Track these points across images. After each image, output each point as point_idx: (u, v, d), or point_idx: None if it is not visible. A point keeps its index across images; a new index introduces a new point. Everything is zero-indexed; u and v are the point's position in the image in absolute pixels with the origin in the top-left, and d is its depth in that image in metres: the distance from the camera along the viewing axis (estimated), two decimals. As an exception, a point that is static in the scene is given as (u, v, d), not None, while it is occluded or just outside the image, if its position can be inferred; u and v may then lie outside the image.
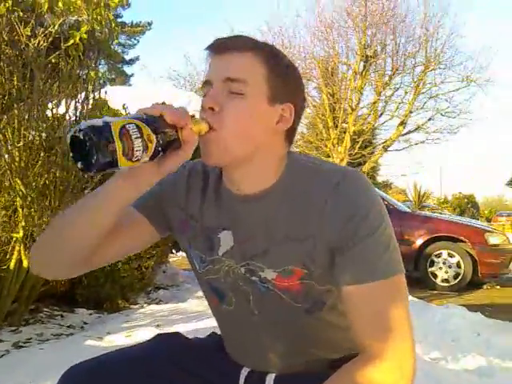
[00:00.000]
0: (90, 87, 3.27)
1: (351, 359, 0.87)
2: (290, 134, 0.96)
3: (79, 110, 3.37)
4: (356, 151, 13.10)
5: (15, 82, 2.89)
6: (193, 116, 0.86)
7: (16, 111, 3.10)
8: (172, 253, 5.79)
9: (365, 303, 0.85)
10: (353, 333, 0.87)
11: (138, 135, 0.76)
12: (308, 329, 0.98)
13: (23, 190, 3.06)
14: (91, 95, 3.41)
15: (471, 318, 4.05)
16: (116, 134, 0.74)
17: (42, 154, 3.02)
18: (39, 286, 3.46)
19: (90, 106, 3.54)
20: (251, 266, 0.95)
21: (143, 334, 2.89)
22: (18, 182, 3.06)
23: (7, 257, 3.20)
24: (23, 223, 3.11)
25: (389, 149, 14.21)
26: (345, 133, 13.02)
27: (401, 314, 0.85)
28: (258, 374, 1.04)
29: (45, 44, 2.90)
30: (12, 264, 3.17)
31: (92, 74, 3.19)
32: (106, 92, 3.87)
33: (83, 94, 3.39)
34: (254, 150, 0.91)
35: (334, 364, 0.92)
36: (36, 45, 2.87)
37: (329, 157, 13.60)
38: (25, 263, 3.20)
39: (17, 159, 3.06)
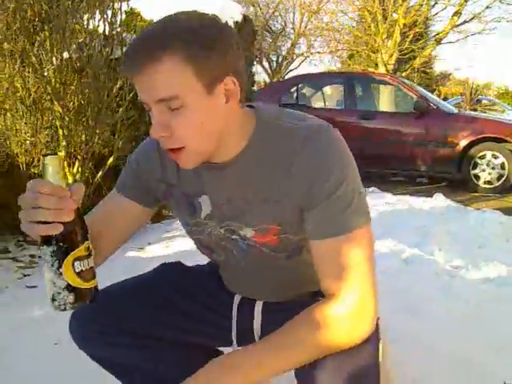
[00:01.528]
0: (116, 5, 3.26)
1: None
2: (242, 96, 0.94)
3: (109, 27, 3.40)
4: (406, 45, 12.43)
5: (43, 5, 2.92)
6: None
7: (47, 33, 3.17)
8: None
9: (328, 255, 0.93)
10: (319, 280, 0.95)
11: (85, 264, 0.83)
12: (290, 270, 1.08)
13: (60, 111, 3.22)
14: (118, 11, 3.41)
15: (506, 222, 4.07)
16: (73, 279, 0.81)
17: (74, 78, 3.12)
18: (86, 196, 3.73)
19: (120, 20, 3.55)
20: (231, 226, 1.03)
21: (180, 244, 3.12)
22: (55, 103, 3.21)
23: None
24: (64, 142, 3.30)
25: (442, 41, 13.40)
26: (394, 26, 12.29)
27: (361, 263, 0.91)
28: (249, 301, 1.18)
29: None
30: (58, 180, 3.42)
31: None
32: None
33: (110, 12, 3.40)
34: (220, 137, 0.94)
35: (317, 293, 1.01)
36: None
37: (377, 52, 13.05)
38: (69, 178, 3.44)
39: (52, 81, 3.19)
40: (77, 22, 3.32)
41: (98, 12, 3.43)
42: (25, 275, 2.80)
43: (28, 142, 3.37)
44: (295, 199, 0.95)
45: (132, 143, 3.84)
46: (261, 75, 25.72)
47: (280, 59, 25.56)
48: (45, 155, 0.80)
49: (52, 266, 0.80)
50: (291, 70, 26.42)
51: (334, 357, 0.89)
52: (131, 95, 3.45)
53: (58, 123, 3.27)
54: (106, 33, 3.41)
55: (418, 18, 12.64)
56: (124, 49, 3.60)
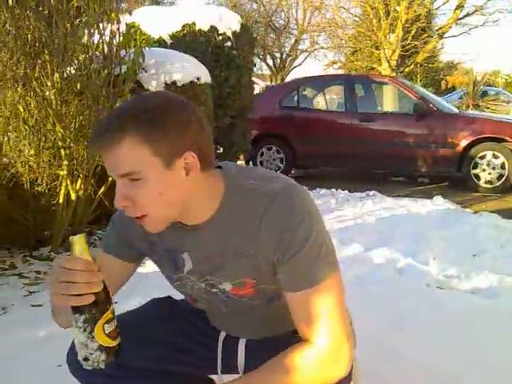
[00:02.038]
0: (114, 26, 3.35)
1: None
2: (203, 164, 0.99)
3: (108, 47, 3.50)
4: (409, 41, 12.39)
5: (42, 31, 3.02)
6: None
7: (47, 56, 3.28)
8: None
9: (300, 305, 1.01)
10: (288, 320, 1.04)
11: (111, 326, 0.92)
12: (270, 313, 1.16)
13: (62, 132, 3.32)
14: (116, 31, 3.50)
15: (502, 226, 4.13)
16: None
17: (74, 99, 3.22)
18: (90, 211, 3.83)
19: (119, 40, 3.65)
20: (210, 280, 1.12)
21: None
22: (57, 124, 3.32)
23: (56, 191, 3.55)
24: (65, 161, 3.41)
25: (445, 35, 13.36)
26: (397, 21, 12.26)
27: (331, 311, 1.00)
28: (233, 338, 1.28)
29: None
30: (61, 197, 3.53)
31: (113, 15, 3.26)
32: (130, 13, 3.94)
33: (108, 31, 3.49)
34: (183, 204, 1.00)
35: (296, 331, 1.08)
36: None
37: (379, 48, 13.03)
38: (72, 195, 3.56)
39: (53, 103, 3.29)
40: (76, 43, 3.42)
41: (96, 32, 3.53)
42: (30, 292, 2.90)
43: (31, 161, 3.48)
44: (266, 256, 1.03)
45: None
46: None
47: (284, 56, 25.55)
48: (71, 235, 0.89)
49: (84, 330, 0.89)
50: (295, 67, 26.44)
51: None
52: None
53: (59, 143, 3.37)
54: (105, 53, 3.51)
55: (421, 12, 12.60)
56: (123, 67, 3.70)
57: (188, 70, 4.23)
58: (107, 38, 3.56)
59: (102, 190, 3.71)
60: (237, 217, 1.04)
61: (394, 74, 12.02)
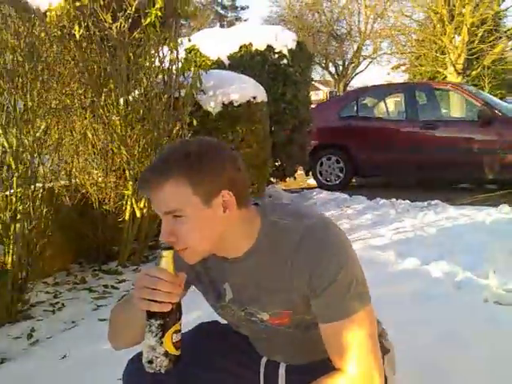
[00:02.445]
0: (173, 55, 3.56)
1: None
2: (240, 201, 1.08)
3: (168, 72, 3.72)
4: (475, 44, 11.99)
5: (106, 64, 3.27)
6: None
7: (112, 86, 3.53)
8: (272, 182, 6.15)
9: (333, 337, 1.08)
10: (328, 354, 1.11)
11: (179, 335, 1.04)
12: (308, 341, 1.23)
13: (126, 154, 3.55)
14: (175, 59, 3.71)
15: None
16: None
17: (137, 124, 3.44)
18: (154, 227, 4.04)
19: (177, 66, 3.86)
20: (249, 309, 1.21)
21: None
22: (122, 148, 3.55)
23: (123, 209, 3.79)
24: (131, 182, 3.64)
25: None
26: (462, 25, 11.90)
27: (363, 342, 1.06)
28: (274, 363, 1.36)
29: (126, 25, 3.20)
30: (127, 215, 3.76)
31: (172, 44, 3.46)
32: (189, 40, 4.15)
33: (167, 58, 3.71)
34: (220, 240, 1.09)
35: None
36: (118, 27, 3.18)
37: (444, 54, 12.69)
38: (137, 213, 3.78)
39: (118, 129, 3.53)
40: (138, 72, 3.66)
41: (157, 60, 3.75)
42: (98, 306, 3.11)
43: (100, 182, 3.74)
44: (300, 290, 1.10)
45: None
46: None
47: (346, 63, 25.40)
48: (162, 249, 1.03)
49: (156, 335, 1.00)
50: (357, 73, 26.22)
51: None
52: (190, 135, 3.73)
53: (125, 165, 3.61)
54: (165, 79, 3.72)
55: (488, 15, 12.17)
56: (181, 91, 3.90)
57: (245, 90, 4.39)
58: (167, 64, 3.77)
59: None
60: (270, 253, 1.12)
61: (460, 78, 11.67)
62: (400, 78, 21.79)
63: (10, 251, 2.71)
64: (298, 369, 1.29)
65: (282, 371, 1.33)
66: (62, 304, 3.11)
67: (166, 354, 1.01)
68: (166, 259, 1.01)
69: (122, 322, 1.09)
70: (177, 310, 1.02)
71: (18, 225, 2.70)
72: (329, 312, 1.07)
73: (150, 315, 1.01)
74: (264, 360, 1.38)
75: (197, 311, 2.23)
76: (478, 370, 1.96)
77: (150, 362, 1.02)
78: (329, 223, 1.13)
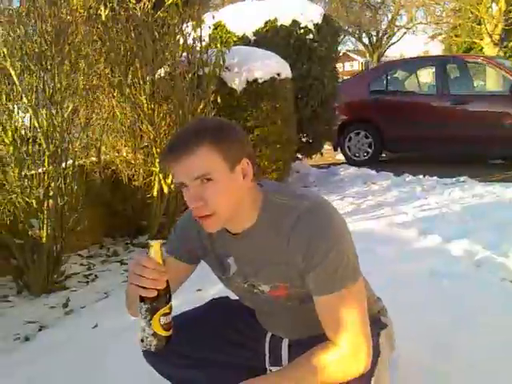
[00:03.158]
0: (197, 33, 3.60)
1: None
2: (253, 174, 1.19)
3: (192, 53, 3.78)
4: (513, 13, 11.56)
5: (130, 43, 3.35)
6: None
7: (137, 65, 3.61)
8: (299, 158, 6.18)
9: (326, 309, 1.17)
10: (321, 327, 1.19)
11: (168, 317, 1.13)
12: (304, 313, 1.30)
13: (153, 132, 3.66)
14: (198, 38, 3.76)
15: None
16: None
17: (163, 103, 3.53)
18: (181, 204, 4.16)
19: (201, 45, 3.91)
20: (251, 282, 1.31)
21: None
22: (149, 126, 3.66)
23: (151, 185, 3.92)
24: (158, 159, 3.75)
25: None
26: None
27: (353, 314, 1.15)
28: (277, 337, 1.47)
29: (149, 5, 3.26)
30: (155, 191, 3.89)
31: (195, 23, 3.51)
32: (213, 17, 4.18)
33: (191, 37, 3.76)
34: (238, 207, 1.18)
35: None
36: (142, 7, 3.25)
37: (480, 24, 12.28)
38: (165, 189, 3.90)
39: (144, 107, 3.63)
40: (163, 50, 3.73)
41: (181, 39, 3.81)
42: (128, 278, 3.27)
43: (129, 159, 3.87)
44: (296, 264, 1.19)
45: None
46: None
47: (380, 33, 24.81)
48: (151, 239, 1.13)
49: (145, 318, 1.11)
50: (392, 44, 25.59)
51: None
52: (214, 113, 3.80)
53: (152, 143, 3.72)
54: (189, 58, 3.78)
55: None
56: (205, 69, 3.96)
57: (269, 66, 4.41)
58: (191, 43, 3.83)
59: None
60: (270, 230, 1.21)
61: (496, 50, 11.29)
62: (436, 49, 21.20)
63: (45, 225, 2.86)
64: (299, 343, 1.37)
65: (284, 345, 1.43)
66: (96, 276, 3.29)
67: (155, 334, 1.12)
68: (154, 249, 1.10)
69: (133, 296, 1.19)
70: (164, 295, 1.11)
71: (50, 201, 2.85)
72: (321, 286, 1.16)
73: (140, 299, 1.11)
74: (269, 335, 1.49)
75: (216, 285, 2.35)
76: (486, 350, 1.98)
77: (142, 340, 1.13)
78: (325, 204, 1.22)
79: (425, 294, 2.58)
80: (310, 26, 5.27)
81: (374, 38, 25.20)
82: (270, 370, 1.46)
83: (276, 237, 1.20)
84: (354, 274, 1.18)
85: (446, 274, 2.87)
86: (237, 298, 1.52)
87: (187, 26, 3.73)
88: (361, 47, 27.44)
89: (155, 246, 1.10)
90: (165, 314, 1.12)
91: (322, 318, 1.18)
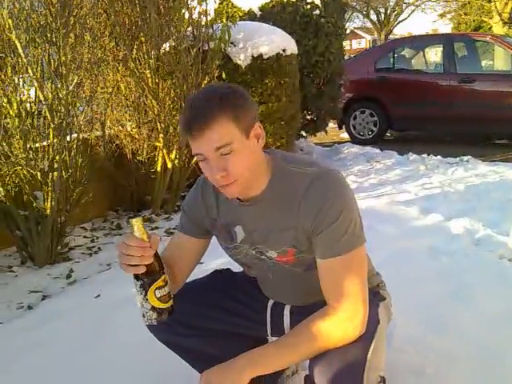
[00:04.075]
0: (202, 7, 3.58)
1: None
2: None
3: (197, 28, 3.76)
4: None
5: (135, 17, 3.33)
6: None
7: (142, 39, 3.60)
8: (303, 136, 6.17)
9: (329, 272, 1.21)
10: (322, 292, 1.23)
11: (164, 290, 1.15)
12: (309, 280, 1.34)
13: (157, 107, 3.66)
14: (203, 12, 3.73)
15: None
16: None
17: (168, 78, 3.53)
18: (184, 178, 4.19)
19: (206, 19, 3.88)
20: (259, 249, 1.34)
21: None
22: (153, 101, 3.66)
23: (155, 160, 3.94)
24: (162, 134, 3.76)
25: None
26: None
27: (355, 279, 1.19)
28: (280, 304, 1.51)
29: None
30: (158, 166, 3.91)
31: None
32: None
33: (196, 11, 3.74)
34: (256, 171, 1.22)
35: None
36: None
37: (490, 1, 12.07)
38: (168, 164, 3.93)
39: (149, 82, 3.63)
40: (168, 25, 3.71)
41: (186, 13, 3.79)
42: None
43: (133, 134, 3.89)
44: (305, 228, 1.23)
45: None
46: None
47: (388, 10, 24.43)
48: (131, 218, 1.16)
49: (141, 294, 1.13)
50: (400, 21, 25.23)
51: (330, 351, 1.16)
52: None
53: (155, 118, 3.73)
54: (194, 32, 3.76)
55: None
56: (211, 44, 3.94)
57: (275, 42, 4.38)
58: (196, 17, 3.81)
59: (195, 159, 4.03)
60: (281, 195, 1.25)
61: (506, 28, 11.13)
62: (444, 27, 20.91)
63: (49, 198, 2.90)
64: (301, 310, 1.42)
65: (286, 312, 1.47)
66: (99, 248, 3.34)
67: (153, 308, 1.15)
68: (136, 227, 1.12)
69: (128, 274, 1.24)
70: (154, 270, 1.13)
71: (55, 173, 2.88)
72: (327, 249, 1.20)
73: (133, 277, 1.14)
74: (271, 302, 1.52)
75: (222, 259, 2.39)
76: (482, 324, 2.03)
77: (143, 316, 1.16)
78: (335, 171, 1.25)
79: (424, 270, 2.62)
80: (317, 2, 5.22)
81: (382, 15, 24.83)
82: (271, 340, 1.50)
83: (286, 202, 1.24)
84: (360, 239, 1.22)
85: (445, 251, 2.91)
86: (240, 269, 1.56)
87: (193, 0, 3.70)
88: (368, 24, 27.05)
89: (137, 223, 1.12)
90: (159, 287, 1.14)
91: (323, 282, 1.22)
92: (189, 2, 3.68)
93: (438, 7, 19.40)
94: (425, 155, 5.73)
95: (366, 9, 24.14)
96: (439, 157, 5.64)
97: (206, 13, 3.68)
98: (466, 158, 5.57)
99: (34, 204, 2.90)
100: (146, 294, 1.14)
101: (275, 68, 4.32)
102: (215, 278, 1.61)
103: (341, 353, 1.16)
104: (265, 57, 4.31)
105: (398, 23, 25.14)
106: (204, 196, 1.39)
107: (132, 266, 1.12)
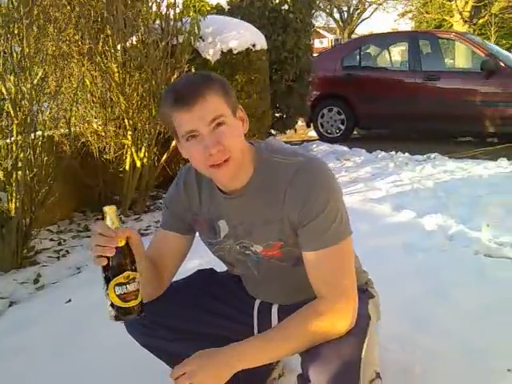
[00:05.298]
0: (170, 0, 3.48)
1: None
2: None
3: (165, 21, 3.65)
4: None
5: (100, 9, 3.20)
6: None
7: (109, 31, 3.47)
8: (272, 134, 6.11)
9: (317, 264, 1.17)
10: (311, 284, 1.19)
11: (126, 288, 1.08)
12: (296, 276, 1.29)
13: (125, 103, 3.54)
14: (172, 4, 3.63)
15: None
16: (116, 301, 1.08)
17: (135, 72, 3.41)
18: (154, 177, 4.07)
19: (175, 12, 3.78)
20: (243, 243, 1.28)
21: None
22: (120, 96, 3.54)
23: (123, 159, 3.81)
24: (130, 132, 3.64)
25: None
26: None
27: (343, 271, 1.16)
28: (267, 304, 1.44)
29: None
30: (127, 165, 3.79)
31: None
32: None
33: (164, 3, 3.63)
34: (243, 156, 1.19)
35: None
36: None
37: (450, 0, 12.32)
38: (137, 163, 3.80)
39: (116, 76, 3.50)
40: (135, 17, 3.59)
41: (154, 5, 3.68)
42: (101, 253, 3.19)
43: (99, 131, 3.75)
44: (291, 220, 1.18)
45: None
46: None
47: (351, 9, 24.71)
48: (104, 206, 1.09)
49: (103, 288, 1.08)
50: (363, 20, 25.57)
51: (324, 345, 1.11)
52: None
53: (123, 114, 3.60)
54: (162, 25, 3.65)
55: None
56: (179, 38, 3.83)
57: (244, 37, 4.31)
58: (164, 10, 3.70)
59: (165, 157, 3.94)
60: (266, 187, 1.21)
61: (466, 26, 11.39)
62: (405, 26, 21.28)
63: (13, 198, 2.75)
64: (289, 308, 1.35)
65: (274, 311, 1.41)
66: (67, 251, 3.20)
67: (112, 305, 1.08)
68: (108, 215, 1.07)
69: None
70: (117, 263, 1.06)
71: (19, 172, 2.74)
72: (314, 240, 1.16)
73: (101, 269, 1.08)
74: (257, 302, 1.45)
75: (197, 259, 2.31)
76: (461, 320, 2.03)
77: (107, 311, 1.09)
78: (319, 161, 1.23)
79: (401, 267, 2.61)
80: (286, -4, 5.18)
81: (345, 13, 25.08)
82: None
83: (271, 193, 1.20)
84: (347, 230, 1.19)
85: (421, 247, 2.91)
86: (224, 269, 1.49)
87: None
88: (332, 24, 27.29)
89: (109, 211, 1.07)
90: (119, 284, 1.07)
91: (311, 274, 1.18)
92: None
93: (399, 6, 19.76)
94: (393, 152, 5.77)
95: (329, 7, 24.33)
96: (407, 154, 5.69)
97: (174, 5, 3.57)
98: (433, 155, 5.64)
99: (-3, 205, 2.75)
100: (107, 289, 1.07)
101: (245, 63, 4.25)
102: (198, 278, 1.53)
103: (335, 350, 1.11)
104: (234, 52, 4.23)
105: (360, 22, 25.47)
106: (186, 188, 1.33)
107: (98, 257, 1.05)
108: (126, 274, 1.08)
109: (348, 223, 1.20)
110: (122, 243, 1.08)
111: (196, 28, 3.69)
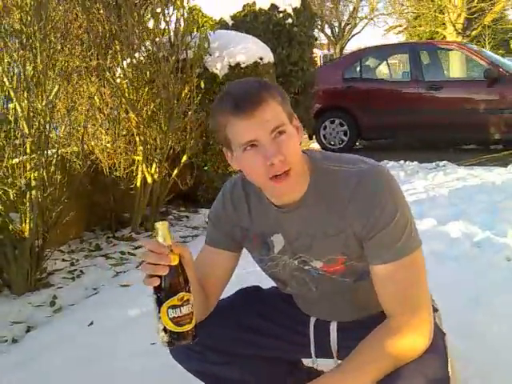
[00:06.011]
0: (179, 13, 3.43)
1: None
2: None
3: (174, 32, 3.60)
4: (475, 3, 11.73)
5: (113, 23, 3.14)
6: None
7: (117, 47, 3.41)
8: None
9: (387, 279, 1.07)
10: (380, 301, 1.10)
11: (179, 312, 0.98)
12: (358, 292, 1.22)
13: (135, 118, 3.46)
14: (181, 17, 3.58)
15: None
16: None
17: (145, 87, 3.34)
18: (165, 193, 3.97)
19: (184, 26, 3.73)
20: (302, 258, 1.19)
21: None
22: (130, 112, 3.46)
23: (134, 175, 3.72)
24: (140, 147, 3.56)
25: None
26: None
27: (415, 284, 1.07)
28: (323, 321, 1.33)
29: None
30: (138, 181, 3.70)
31: (178, 3, 3.33)
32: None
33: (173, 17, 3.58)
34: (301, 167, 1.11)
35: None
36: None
37: (443, 12, 12.44)
38: (148, 179, 3.71)
39: (125, 92, 3.43)
40: (144, 32, 3.53)
41: (162, 20, 3.62)
42: (117, 273, 3.08)
43: (109, 148, 3.66)
44: (356, 232, 1.10)
45: (203, 138, 4.07)
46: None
47: (342, 24, 24.94)
48: (156, 222, 1.00)
49: (155, 310, 0.99)
50: (354, 35, 25.79)
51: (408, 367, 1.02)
52: (199, 98, 3.64)
53: (134, 130, 3.52)
54: (171, 40, 3.60)
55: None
56: (189, 52, 3.78)
57: (251, 50, 4.26)
58: (173, 25, 3.65)
59: (176, 172, 3.85)
60: (325, 198, 1.12)
61: (459, 38, 11.47)
62: (396, 39, 21.45)
63: (27, 219, 2.65)
64: (349, 326, 1.27)
65: (333, 327, 1.31)
66: (81, 271, 3.09)
67: (165, 329, 0.98)
68: (160, 231, 0.98)
69: None
70: (171, 284, 0.98)
71: (33, 192, 2.64)
72: (384, 253, 1.07)
73: (153, 290, 0.99)
74: (313, 320, 1.35)
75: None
76: (504, 332, 1.94)
77: (158, 333, 1.00)
78: (381, 168, 1.14)
79: (435, 277, 2.50)
80: (289, 10, 5.15)
81: (336, 29, 25.31)
82: (317, 363, 1.34)
83: (331, 204, 1.11)
84: (417, 239, 1.10)
85: (450, 256, 2.83)
86: (272, 285, 1.40)
87: (169, 8, 3.54)
88: (323, 40, 27.52)
89: (161, 227, 0.99)
90: (173, 306, 0.97)
91: (381, 291, 1.09)
92: (165, 9, 3.51)
93: (390, 21, 19.94)
94: (402, 161, 5.72)
95: (320, 23, 24.55)
96: (416, 162, 5.64)
97: (183, 18, 3.52)
98: (442, 162, 5.60)
99: (10, 226, 2.64)
100: (159, 312, 0.98)
101: (253, 77, 4.19)
102: (244, 297, 1.42)
103: (419, 371, 1.01)
104: (242, 65, 4.18)
105: (352, 36, 25.68)
106: (234, 202, 1.24)
107: (150, 276, 0.97)
108: (180, 295, 0.98)
109: (417, 233, 1.11)
110: (175, 261, 0.98)
111: (206, 42, 3.64)
